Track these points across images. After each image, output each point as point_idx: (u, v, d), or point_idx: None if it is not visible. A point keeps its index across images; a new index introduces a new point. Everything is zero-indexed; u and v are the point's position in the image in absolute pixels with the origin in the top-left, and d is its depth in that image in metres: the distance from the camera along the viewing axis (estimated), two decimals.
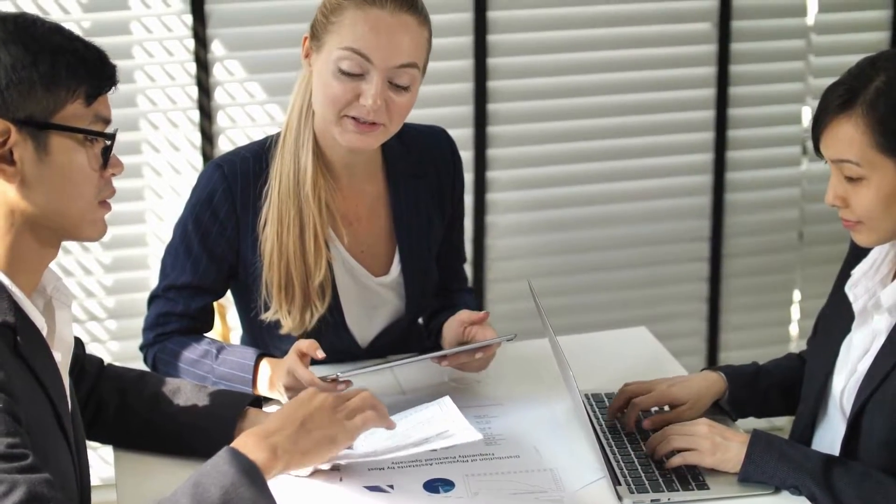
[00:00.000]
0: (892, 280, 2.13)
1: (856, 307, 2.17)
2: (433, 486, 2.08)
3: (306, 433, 1.83)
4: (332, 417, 1.88)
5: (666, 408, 2.29)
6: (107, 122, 1.78)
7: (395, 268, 2.51)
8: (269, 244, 2.38)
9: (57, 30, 1.74)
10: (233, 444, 1.75)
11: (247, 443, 1.76)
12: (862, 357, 2.15)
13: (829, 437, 2.21)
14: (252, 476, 1.70)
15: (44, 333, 1.78)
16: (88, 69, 1.73)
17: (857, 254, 2.23)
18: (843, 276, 2.24)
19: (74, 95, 1.72)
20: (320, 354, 2.22)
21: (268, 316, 2.42)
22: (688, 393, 2.28)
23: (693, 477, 2.09)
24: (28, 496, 1.56)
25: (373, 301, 2.52)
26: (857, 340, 2.17)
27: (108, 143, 1.77)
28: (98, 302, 3.58)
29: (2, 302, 1.71)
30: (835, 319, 2.26)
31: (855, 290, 2.17)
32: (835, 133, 2.04)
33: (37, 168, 1.70)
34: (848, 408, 2.14)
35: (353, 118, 2.28)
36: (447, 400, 2.16)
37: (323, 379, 2.20)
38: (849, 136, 2.02)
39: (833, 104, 2.04)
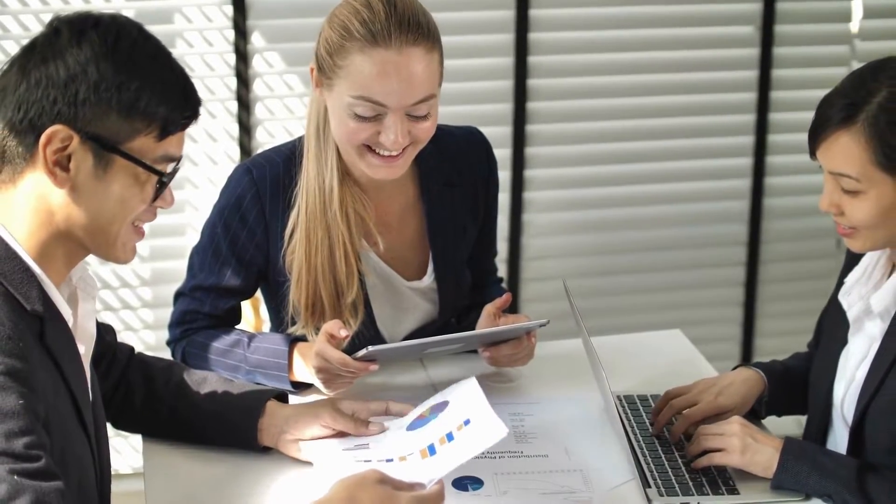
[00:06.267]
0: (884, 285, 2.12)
1: (850, 315, 2.16)
2: (462, 483, 2.07)
3: None
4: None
5: None
6: (174, 159, 1.75)
7: (429, 276, 2.48)
8: (297, 264, 2.35)
9: (154, 55, 1.71)
10: None
11: None
12: (859, 364, 2.14)
13: (836, 447, 2.19)
14: None
15: (70, 325, 1.78)
16: (169, 107, 1.70)
17: (851, 261, 2.22)
18: (840, 284, 2.23)
19: (148, 130, 1.69)
20: (343, 333, 2.20)
21: (295, 331, 2.40)
22: (734, 400, 2.26)
23: (724, 481, 2.09)
24: None
25: (403, 304, 2.49)
26: (854, 348, 2.16)
27: (165, 181, 1.75)
28: (133, 291, 3.60)
29: (32, 290, 1.69)
30: (833, 329, 2.24)
31: (848, 298, 2.16)
32: (834, 146, 2.01)
33: (90, 182, 1.69)
34: (849, 416, 2.13)
35: (376, 152, 2.24)
36: (473, 382, 2.07)
37: (353, 357, 2.20)
38: (849, 150, 1.99)
39: (834, 117, 2.00)
